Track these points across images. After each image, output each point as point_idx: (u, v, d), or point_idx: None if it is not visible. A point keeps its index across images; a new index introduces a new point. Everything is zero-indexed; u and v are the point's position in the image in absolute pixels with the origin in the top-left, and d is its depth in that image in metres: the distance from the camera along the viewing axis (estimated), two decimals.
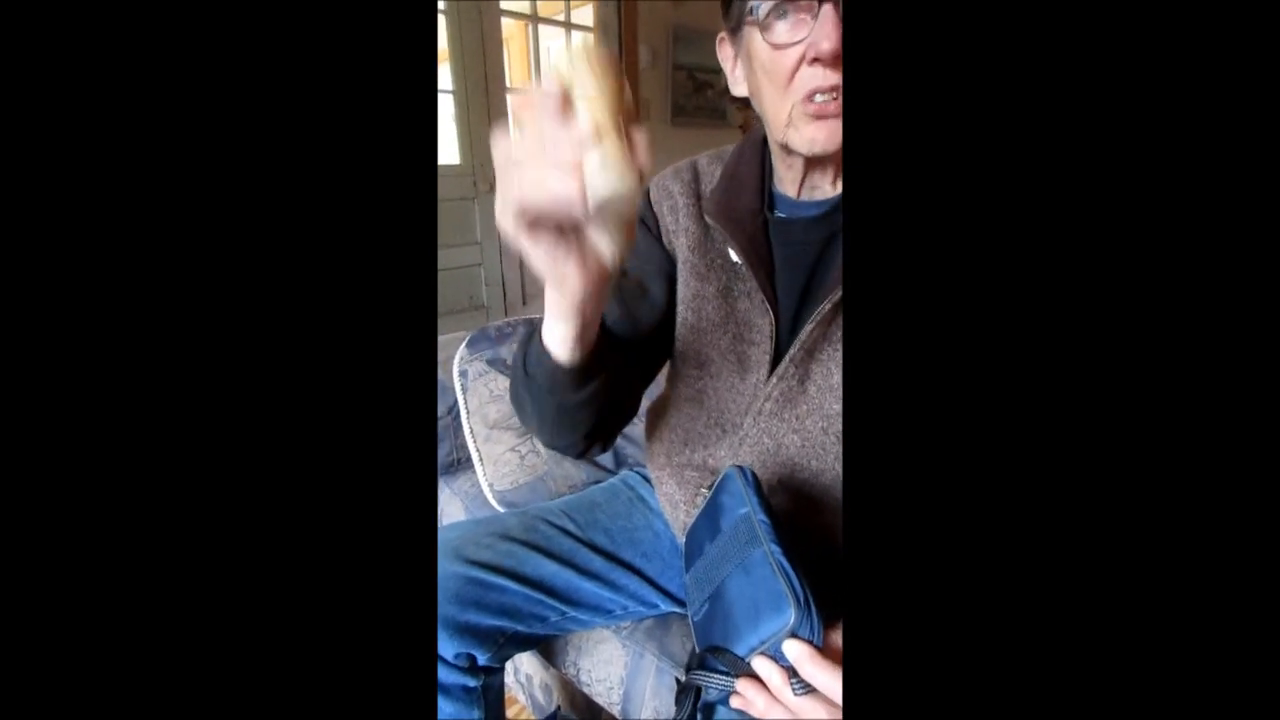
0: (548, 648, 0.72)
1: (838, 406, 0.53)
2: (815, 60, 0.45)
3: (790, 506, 0.55)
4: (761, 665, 0.37)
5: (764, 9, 0.46)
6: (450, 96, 2.06)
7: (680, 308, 0.60)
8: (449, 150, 2.13)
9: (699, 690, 0.41)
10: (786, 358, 0.54)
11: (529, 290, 2.41)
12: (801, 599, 0.36)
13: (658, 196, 0.63)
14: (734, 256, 0.56)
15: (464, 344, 0.88)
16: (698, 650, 0.42)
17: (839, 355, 0.53)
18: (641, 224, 0.63)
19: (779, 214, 0.56)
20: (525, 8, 2.22)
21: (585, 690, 0.70)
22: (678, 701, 0.43)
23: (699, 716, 0.43)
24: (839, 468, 0.54)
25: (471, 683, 0.59)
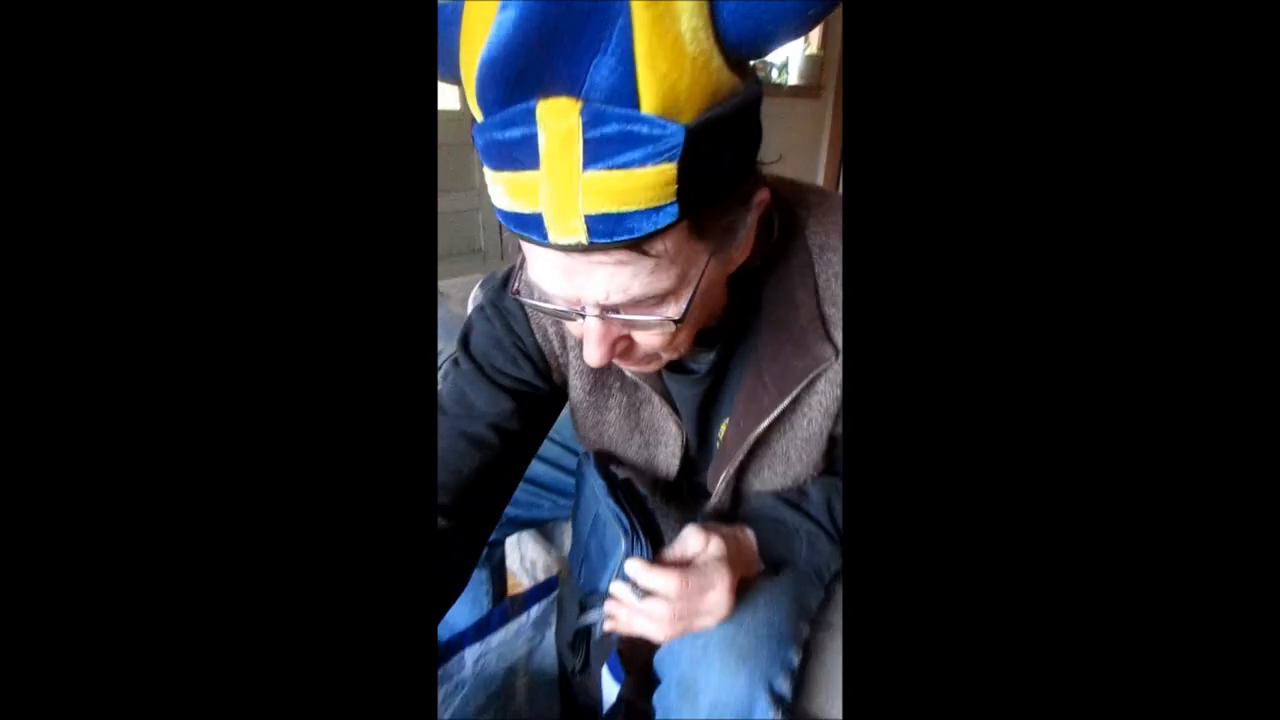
0: (546, 532, 0.90)
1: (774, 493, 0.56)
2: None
3: None
4: (615, 587, 0.48)
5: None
6: None
7: (584, 429, 0.58)
8: (448, 96, 2.17)
9: (588, 635, 0.52)
10: (715, 497, 0.55)
11: None
12: (628, 529, 0.47)
13: (539, 325, 0.52)
14: (632, 377, 0.52)
15: (478, 285, 1.02)
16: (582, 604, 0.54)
17: (762, 475, 0.55)
18: (521, 358, 0.52)
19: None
20: None
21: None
22: (573, 650, 0.54)
23: (592, 653, 0.54)
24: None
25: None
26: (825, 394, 0.49)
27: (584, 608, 0.52)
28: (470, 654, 0.70)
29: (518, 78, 0.29)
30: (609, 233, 0.32)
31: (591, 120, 0.29)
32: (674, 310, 0.37)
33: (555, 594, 0.78)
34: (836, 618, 0.63)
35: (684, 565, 0.47)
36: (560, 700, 0.81)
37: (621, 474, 0.56)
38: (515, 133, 0.30)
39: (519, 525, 0.78)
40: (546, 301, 0.38)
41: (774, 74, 2.82)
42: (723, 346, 0.50)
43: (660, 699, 0.52)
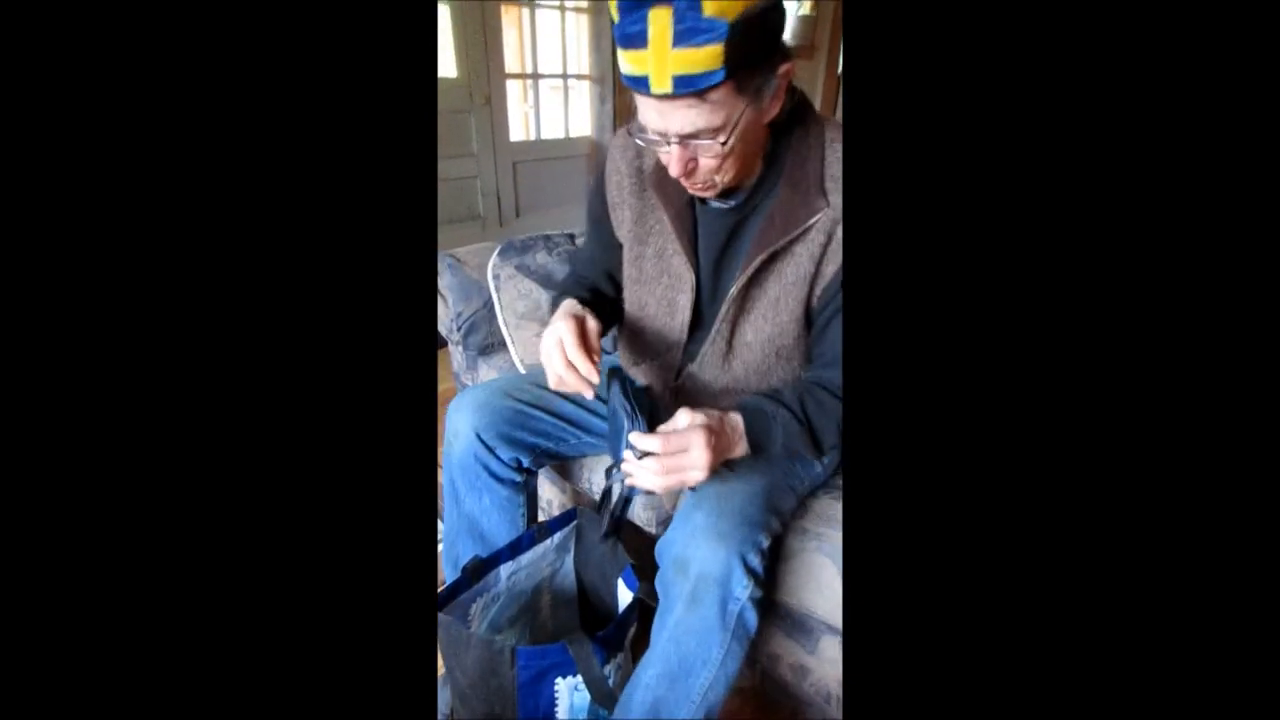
0: (566, 469, 1.01)
1: (761, 354, 0.76)
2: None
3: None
4: (625, 454, 0.62)
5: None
6: (446, 8, 2.10)
7: (626, 267, 0.82)
8: (445, 63, 2.19)
9: (612, 493, 0.69)
10: (714, 331, 0.75)
11: (523, 202, 2.54)
12: (630, 412, 0.61)
13: (610, 170, 0.80)
14: (667, 222, 0.75)
15: (496, 253, 1.11)
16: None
17: (754, 320, 0.74)
18: (596, 224, 0.84)
19: (699, 201, 0.74)
20: None
21: (594, 498, 1.00)
22: (601, 506, 0.69)
23: (620, 507, 0.71)
24: (747, 386, 0.79)
25: (518, 479, 0.87)
26: (813, 241, 0.69)
27: (608, 475, 0.69)
28: (505, 570, 0.83)
29: None
30: (684, 86, 0.55)
31: (677, 19, 0.52)
32: (724, 138, 0.60)
33: (574, 523, 0.90)
34: (812, 525, 0.76)
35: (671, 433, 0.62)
36: (579, 615, 0.94)
37: (639, 382, 0.75)
38: (636, 27, 0.54)
39: (548, 456, 0.89)
40: (649, 136, 0.63)
41: None
42: (752, 193, 0.72)
43: (660, 579, 0.68)
